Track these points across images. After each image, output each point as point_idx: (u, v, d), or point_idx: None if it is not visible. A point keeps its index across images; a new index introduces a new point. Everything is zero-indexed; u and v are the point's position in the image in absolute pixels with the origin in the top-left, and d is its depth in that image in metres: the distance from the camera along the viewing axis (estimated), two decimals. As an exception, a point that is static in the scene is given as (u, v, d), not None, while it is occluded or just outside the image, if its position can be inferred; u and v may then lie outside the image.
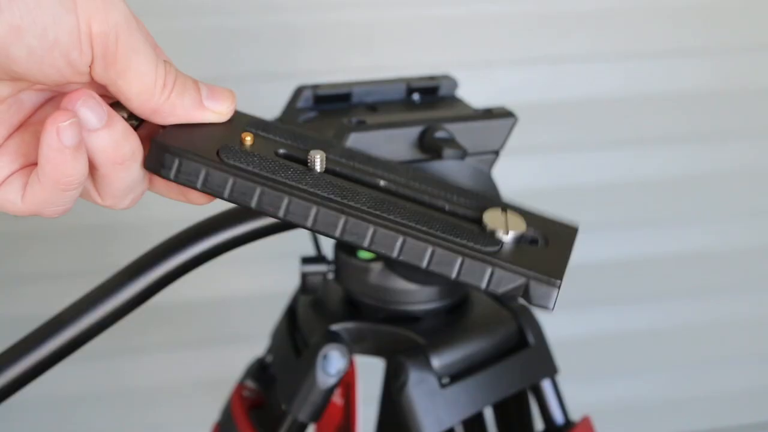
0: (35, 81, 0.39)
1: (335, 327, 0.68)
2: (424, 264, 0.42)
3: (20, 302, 1.23)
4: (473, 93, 0.75)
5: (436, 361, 0.64)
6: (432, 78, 0.68)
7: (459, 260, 0.42)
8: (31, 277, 1.23)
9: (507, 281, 0.42)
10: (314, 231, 0.42)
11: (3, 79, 0.39)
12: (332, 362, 0.65)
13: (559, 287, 0.42)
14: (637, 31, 1.28)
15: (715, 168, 1.36)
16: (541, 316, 0.70)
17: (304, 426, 0.67)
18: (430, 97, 0.67)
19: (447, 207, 0.47)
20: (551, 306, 0.42)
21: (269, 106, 0.73)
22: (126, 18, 0.39)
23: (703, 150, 1.35)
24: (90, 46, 0.38)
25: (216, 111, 0.44)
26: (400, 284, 0.67)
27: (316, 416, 0.66)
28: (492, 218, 0.46)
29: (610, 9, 1.26)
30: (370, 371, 0.84)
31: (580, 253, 1.50)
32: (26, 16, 0.36)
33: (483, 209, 0.47)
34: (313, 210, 0.42)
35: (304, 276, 0.68)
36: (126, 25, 0.38)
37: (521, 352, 0.67)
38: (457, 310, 0.69)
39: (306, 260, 0.69)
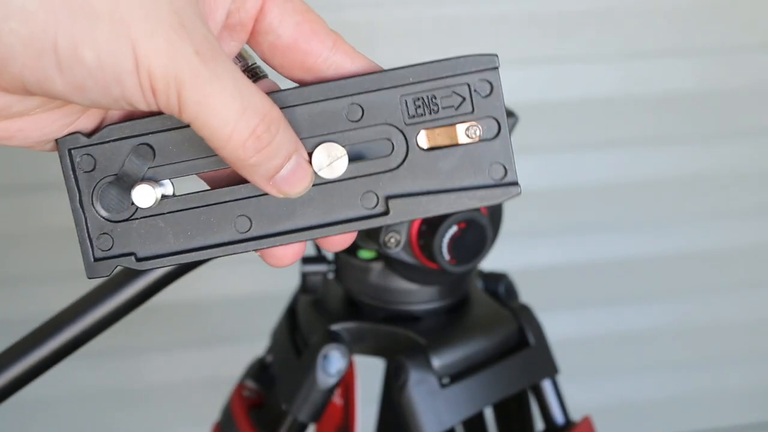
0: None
1: (335, 327, 0.68)
2: None
3: (20, 302, 1.23)
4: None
5: (437, 361, 0.64)
6: (432, 78, 0.68)
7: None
8: (31, 278, 1.23)
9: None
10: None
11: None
12: (332, 362, 0.65)
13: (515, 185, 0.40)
14: (636, 31, 1.28)
15: (714, 168, 1.36)
16: (542, 317, 0.70)
17: (304, 426, 0.67)
18: (430, 97, 0.67)
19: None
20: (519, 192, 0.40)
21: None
22: (192, 66, 0.34)
23: (702, 150, 1.35)
24: (153, 97, 0.35)
25: (283, 193, 0.38)
26: (400, 284, 0.67)
27: (316, 416, 0.66)
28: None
29: (609, 9, 1.26)
30: (370, 371, 0.84)
31: (580, 253, 1.50)
32: (88, 78, 0.34)
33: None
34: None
35: (305, 276, 0.68)
36: (191, 74, 0.34)
37: (522, 352, 0.67)
38: (457, 310, 0.69)
39: (306, 260, 0.69)
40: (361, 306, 0.69)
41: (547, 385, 0.69)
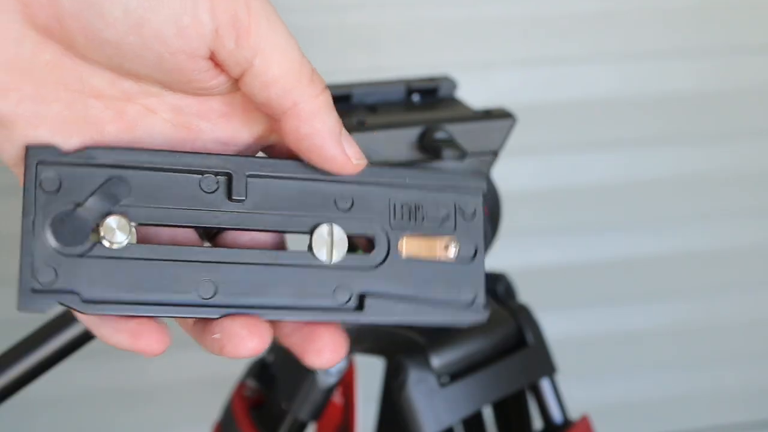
0: (137, 67, 0.32)
1: (335, 326, 0.68)
2: None
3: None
4: (473, 94, 0.75)
5: (436, 361, 0.64)
6: (431, 79, 0.68)
7: None
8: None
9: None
10: None
11: (103, 65, 0.32)
12: (332, 362, 0.66)
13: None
14: (634, 32, 1.28)
15: (714, 168, 1.36)
16: (541, 316, 0.70)
17: (304, 425, 0.67)
18: (429, 98, 0.67)
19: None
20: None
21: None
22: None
23: (702, 150, 1.35)
24: (209, 13, 0.31)
25: (349, 155, 0.35)
26: (400, 284, 0.67)
27: (316, 415, 0.67)
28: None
29: (607, 11, 1.26)
30: (370, 371, 0.85)
31: (580, 253, 1.50)
32: None
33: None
34: None
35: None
36: (260, 2, 0.32)
37: (520, 352, 0.67)
38: (456, 310, 0.69)
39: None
40: (361, 306, 0.69)
41: (545, 385, 0.69)
